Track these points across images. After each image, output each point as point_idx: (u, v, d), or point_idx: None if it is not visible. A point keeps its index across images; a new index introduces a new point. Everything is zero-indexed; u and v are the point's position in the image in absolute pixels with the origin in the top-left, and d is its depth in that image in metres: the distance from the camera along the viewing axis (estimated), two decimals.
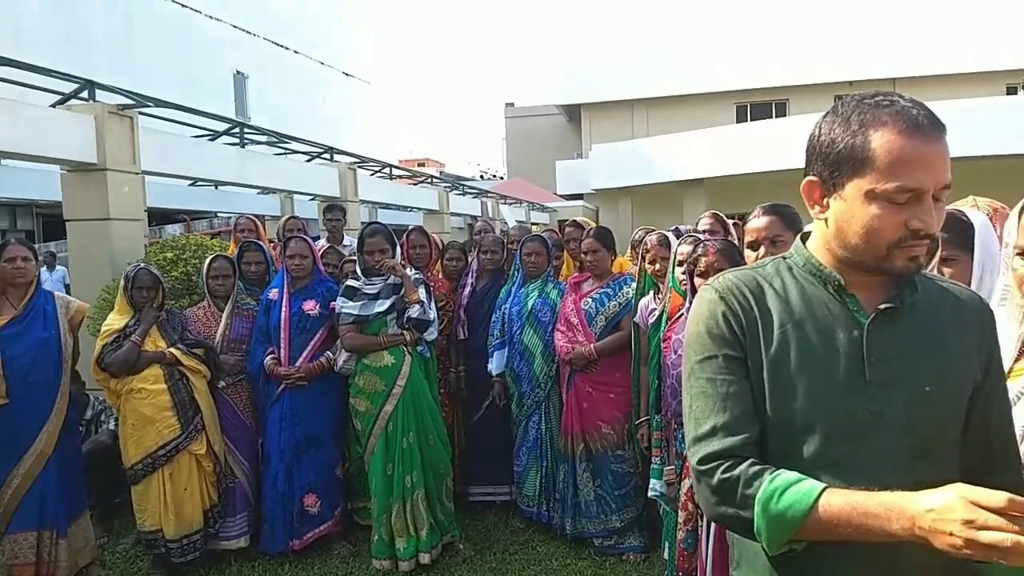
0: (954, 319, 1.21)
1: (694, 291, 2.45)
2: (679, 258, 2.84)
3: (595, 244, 3.90)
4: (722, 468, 1.14)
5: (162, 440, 3.61)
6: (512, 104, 28.59)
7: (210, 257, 4.15)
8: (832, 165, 1.16)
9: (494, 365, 4.28)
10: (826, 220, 1.20)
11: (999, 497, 0.91)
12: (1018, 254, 1.39)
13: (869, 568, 1.12)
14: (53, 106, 5.89)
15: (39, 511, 3.49)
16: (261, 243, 4.49)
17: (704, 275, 2.41)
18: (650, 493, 3.24)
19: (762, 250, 2.15)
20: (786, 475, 1.09)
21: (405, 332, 3.76)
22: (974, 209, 1.90)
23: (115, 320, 3.70)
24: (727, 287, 1.25)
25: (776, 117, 20.83)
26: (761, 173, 16.41)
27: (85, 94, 6.02)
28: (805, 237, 1.30)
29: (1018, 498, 0.91)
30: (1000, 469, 1.20)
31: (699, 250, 2.45)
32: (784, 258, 1.30)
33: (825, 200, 1.20)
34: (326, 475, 3.97)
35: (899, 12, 19.42)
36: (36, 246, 4.36)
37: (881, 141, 1.11)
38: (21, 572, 3.48)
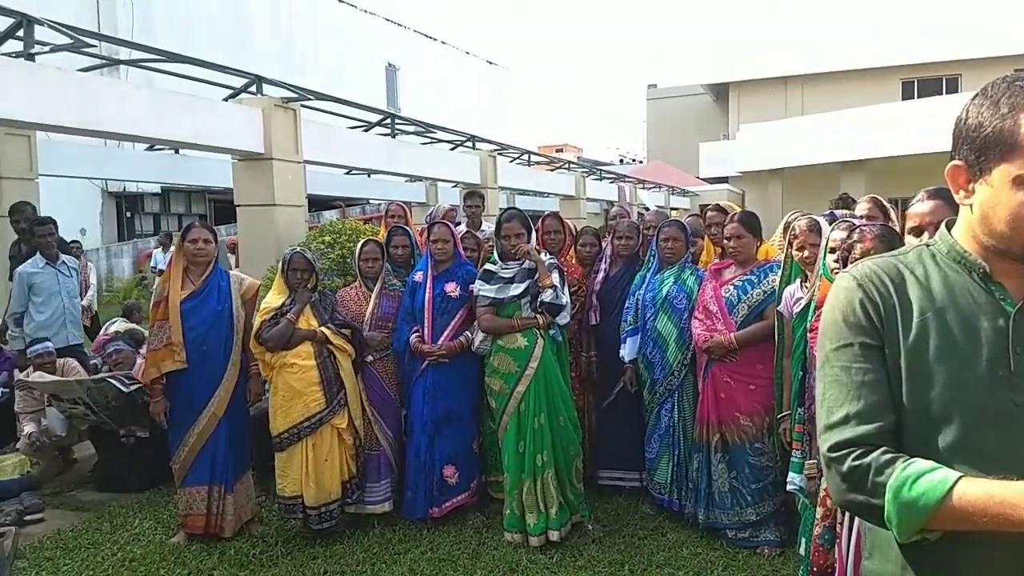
0: None
1: None
2: (831, 245, 2.71)
3: (739, 229, 3.77)
4: (853, 456, 1.12)
5: (308, 412, 3.85)
6: (655, 86, 28.00)
7: (362, 241, 4.42)
8: (979, 149, 1.12)
9: (626, 351, 4.26)
10: (971, 206, 1.16)
11: None
12: None
13: (1006, 558, 1.09)
14: (225, 100, 6.46)
15: (210, 468, 3.91)
16: (408, 228, 4.73)
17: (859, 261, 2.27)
18: (789, 486, 3.14)
19: (926, 236, 2.01)
20: (920, 463, 1.07)
21: (538, 315, 3.84)
22: None
23: (273, 299, 4.02)
24: (865, 274, 1.23)
25: (947, 94, 19.03)
26: (928, 155, 15.05)
27: (253, 88, 6.55)
28: (950, 225, 1.26)
29: None
30: None
31: (855, 236, 2.32)
32: (928, 245, 1.26)
33: (971, 185, 1.16)
34: (464, 448, 4.14)
35: None
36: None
37: None
38: (194, 521, 3.92)
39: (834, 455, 1.15)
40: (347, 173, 12.11)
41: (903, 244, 2.30)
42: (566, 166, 14.95)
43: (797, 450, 3.09)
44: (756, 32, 21.45)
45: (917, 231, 2.08)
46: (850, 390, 1.16)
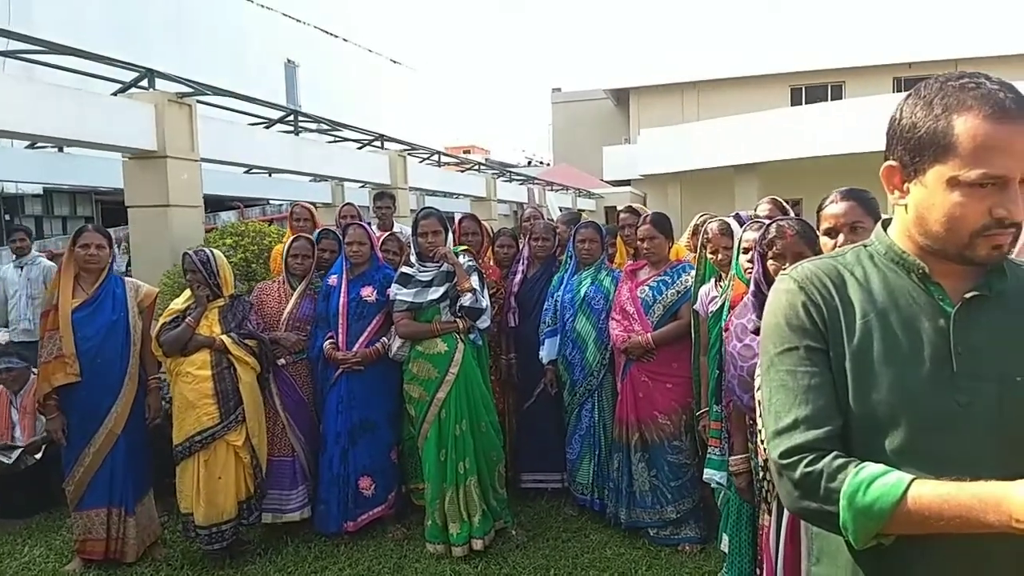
0: None
1: (766, 274, 2.37)
2: (744, 245, 2.77)
3: (652, 231, 3.83)
4: (805, 462, 1.11)
5: (200, 427, 3.62)
6: (559, 89, 28.39)
7: (293, 237, 4.25)
8: (913, 150, 1.12)
9: (545, 353, 4.25)
10: (906, 206, 1.17)
11: None
12: None
13: (957, 560, 1.09)
14: (114, 94, 6.04)
15: (109, 489, 3.63)
16: (335, 231, 4.56)
17: (780, 258, 2.32)
18: (706, 476, 3.19)
19: (841, 237, 2.07)
20: (872, 467, 1.06)
21: (458, 320, 3.77)
22: None
23: (179, 302, 3.79)
24: (806, 276, 1.22)
25: (832, 100, 20.24)
26: (816, 158, 16.01)
27: (145, 82, 6.15)
28: (886, 224, 1.26)
29: None
30: None
31: (773, 231, 2.35)
32: (865, 246, 1.26)
33: (905, 186, 1.16)
34: (381, 458, 4.01)
35: None
36: None
37: (965, 126, 1.06)
38: (92, 547, 3.63)
39: (785, 462, 1.13)
40: (247, 172, 11.61)
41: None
42: (477, 167, 14.91)
43: (715, 447, 3.15)
44: (654, 39, 22.13)
45: (832, 232, 2.13)
46: (797, 394, 1.15)
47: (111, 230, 4.63)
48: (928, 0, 18.85)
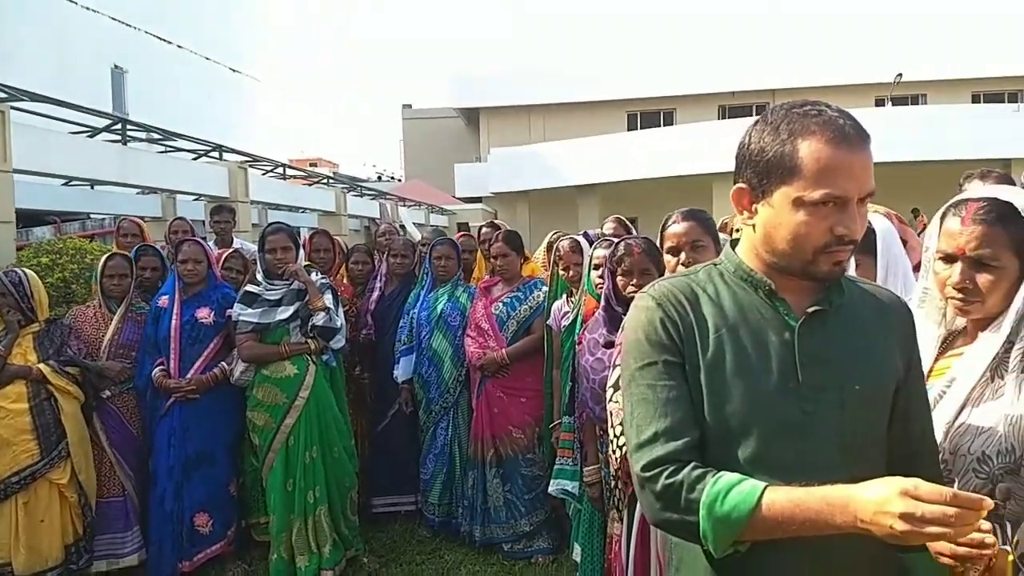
0: (878, 320, 1.26)
1: (616, 290, 2.46)
2: (595, 261, 2.86)
3: (504, 248, 3.88)
4: (666, 473, 1.14)
5: (17, 466, 3.27)
6: (409, 106, 28.29)
7: (107, 255, 3.86)
8: (761, 172, 1.19)
9: (401, 371, 4.18)
10: (754, 226, 1.23)
11: (941, 491, 0.95)
12: (939, 258, 1.46)
13: (805, 561, 1.15)
14: None
15: None
16: (157, 247, 4.20)
17: (628, 274, 2.43)
18: (552, 489, 3.22)
19: (683, 255, 2.18)
20: (727, 476, 1.10)
21: (310, 340, 3.60)
22: (877, 214, 2.00)
23: None
24: (663, 294, 1.26)
25: (664, 125, 21.65)
26: (650, 179, 17.06)
27: None
28: (735, 244, 1.32)
29: (963, 493, 0.95)
30: (922, 463, 1.25)
31: (622, 249, 2.45)
32: (715, 264, 1.32)
33: (754, 206, 1.22)
34: (219, 492, 3.74)
35: (776, 28, 20.67)
36: None
37: (809, 150, 1.13)
38: None
39: (647, 475, 1.16)
40: (65, 184, 10.56)
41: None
42: (325, 181, 14.44)
43: (568, 457, 3.21)
44: (500, 61, 22.70)
45: (675, 250, 2.25)
46: (657, 407, 1.18)
47: None
48: (746, 35, 20.68)
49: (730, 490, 1.08)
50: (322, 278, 3.81)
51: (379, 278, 4.54)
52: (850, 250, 1.18)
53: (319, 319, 3.57)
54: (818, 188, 1.13)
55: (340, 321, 3.71)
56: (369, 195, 16.11)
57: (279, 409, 3.54)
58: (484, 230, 4.88)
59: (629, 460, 1.22)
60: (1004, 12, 19.14)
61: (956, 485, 1.34)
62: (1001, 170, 2.96)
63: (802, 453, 1.16)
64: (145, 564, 3.69)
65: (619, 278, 2.45)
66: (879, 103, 19.48)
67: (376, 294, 4.47)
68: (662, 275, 2.49)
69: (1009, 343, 1.37)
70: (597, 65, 21.68)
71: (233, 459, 3.85)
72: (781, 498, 1.05)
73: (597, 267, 2.86)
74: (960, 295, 1.43)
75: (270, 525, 3.61)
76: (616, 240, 2.57)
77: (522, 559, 3.84)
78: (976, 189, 1.53)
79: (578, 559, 3.13)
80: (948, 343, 1.54)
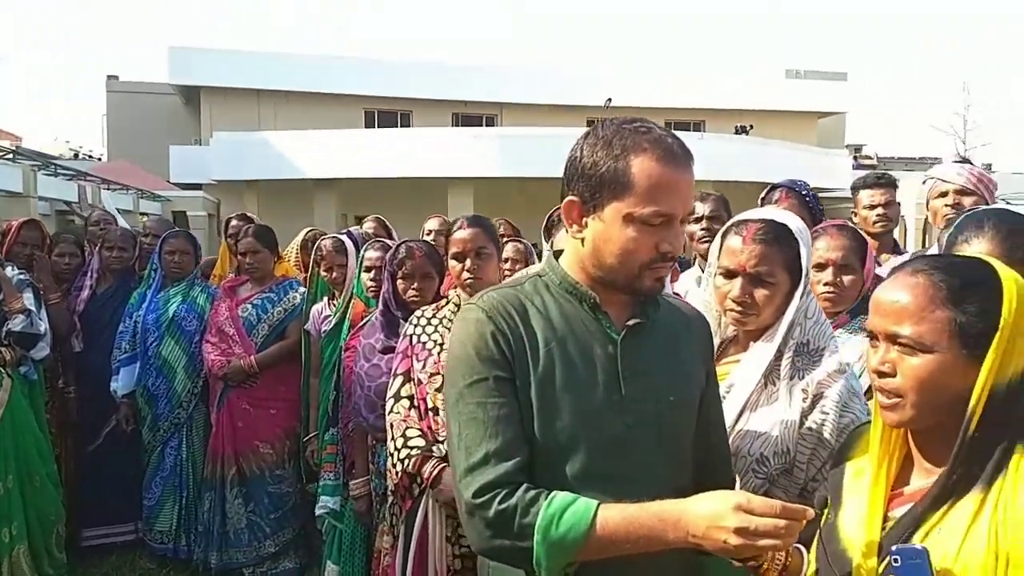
0: (684, 333, 1.33)
1: (395, 294, 2.39)
2: (367, 263, 2.75)
3: (255, 244, 3.55)
4: (498, 498, 1.09)
5: None
6: (116, 77, 24.99)
7: None
8: (594, 187, 1.18)
9: (121, 384, 3.70)
10: (583, 240, 1.22)
11: (771, 504, 1.00)
12: (720, 273, 1.58)
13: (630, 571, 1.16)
14: None
15: None
16: None
17: (409, 278, 2.40)
18: (318, 511, 3.06)
19: (468, 261, 2.17)
20: (560, 497, 1.08)
21: (4, 349, 2.99)
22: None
23: None
24: (493, 306, 1.21)
25: (401, 127, 21.79)
26: (390, 179, 17.04)
27: None
28: (558, 254, 1.31)
29: (790, 504, 1.01)
30: (720, 469, 1.34)
31: (403, 252, 2.42)
32: (540, 276, 1.30)
33: (584, 220, 1.22)
34: None
35: (503, 45, 22.00)
36: None
37: (641, 167, 1.15)
38: None
39: (478, 501, 1.10)
40: None
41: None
42: (11, 156, 12.07)
43: (330, 472, 3.05)
44: (224, 41, 21.20)
45: (460, 256, 2.22)
46: (487, 427, 1.14)
47: None
48: (478, 49, 21.70)
49: (564, 511, 1.06)
50: (20, 273, 3.20)
51: (90, 274, 3.93)
52: (671, 267, 1.22)
53: (17, 323, 3.03)
54: (648, 205, 1.15)
55: (44, 325, 3.16)
56: (65, 175, 13.86)
57: None
58: (234, 223, 4.43)
59: (456, 484, 1.15)
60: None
61: (738, 485, 1.45)
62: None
63: (628, 467, 1.18)
64: None
65: (399, 282, 2.39)
66: (590, 124, 21.60)
67: (87, 292, 3.88)
68: (443, 280, 2.46)
69: (779, 353, 1.52)
70: (334, 57, 21.17)
71: None
72: (615, 515, 1.05)
73: (369, 269, 2.75)
74: (739, 308, 1.55)
75: None
76: (397, 243, 2.48)
77: None
78: (752, 211, 1.68)
79: None
80: (722, 350, 1.68)
